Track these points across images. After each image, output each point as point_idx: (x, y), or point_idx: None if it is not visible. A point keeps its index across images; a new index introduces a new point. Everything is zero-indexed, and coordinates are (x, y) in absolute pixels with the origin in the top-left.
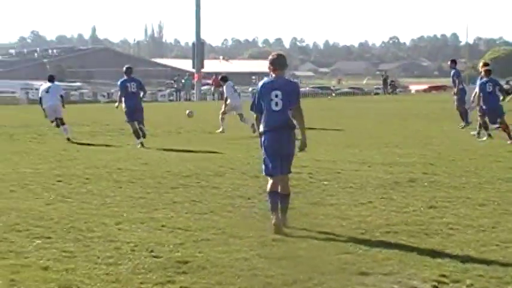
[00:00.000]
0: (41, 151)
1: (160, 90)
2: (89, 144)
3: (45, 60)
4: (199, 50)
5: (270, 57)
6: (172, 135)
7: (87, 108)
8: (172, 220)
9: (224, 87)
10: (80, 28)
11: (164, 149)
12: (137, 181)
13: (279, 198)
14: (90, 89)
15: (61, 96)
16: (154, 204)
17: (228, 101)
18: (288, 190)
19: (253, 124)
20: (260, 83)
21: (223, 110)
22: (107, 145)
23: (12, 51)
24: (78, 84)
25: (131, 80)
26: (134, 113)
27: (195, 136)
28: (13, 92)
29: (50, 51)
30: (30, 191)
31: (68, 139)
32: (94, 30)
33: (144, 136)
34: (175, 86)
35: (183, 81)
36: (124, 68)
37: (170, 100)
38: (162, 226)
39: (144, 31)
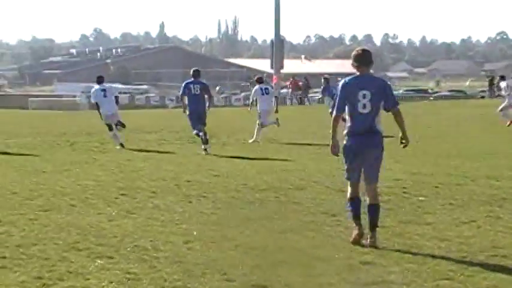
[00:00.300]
0: (103, 161)
1: (234, 94)
2: (158, 152)
3: (108, 60)
4: (278, 49)
5: (354, 53)
6: (247, 144)
7: (154, 114)
8: (247, 239)
9: (253, 89)
10: (146, 25)
11: (238, 159)
12: (208, 195)
13: (367, 208)
14: (158, 92)
15: (116, 97)
16: (227, 221)
17: (257, 106)
18: (376, 200)
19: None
20: (341, 82)
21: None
22: (175, 154)
23: (73, 50)
24: (144, 87)
25: (196, 82)
26: (199, 118)
27: (272, 145)
28: (73, 96)
29: (113, 50)
30: (91, 206)
31: (122, 145)
32: (162, 27)
33: (206, 142)
34: (252, 88)
35: None
36: (191, 71)
37: (246, 105)
38: (236, 246)
39: (217, 28)
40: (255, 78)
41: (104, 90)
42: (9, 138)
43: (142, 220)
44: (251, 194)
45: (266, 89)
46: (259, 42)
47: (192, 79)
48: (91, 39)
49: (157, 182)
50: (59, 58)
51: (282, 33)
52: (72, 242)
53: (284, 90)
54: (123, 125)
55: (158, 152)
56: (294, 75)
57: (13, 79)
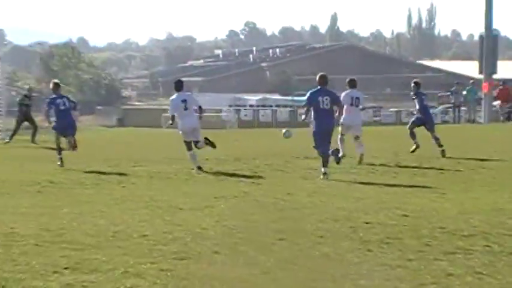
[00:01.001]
0: (255, 195)
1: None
2: (326, 183)
3: (263, 64)
4: (489, 47)
5: None
6: (446, 174)
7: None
8: None
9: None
10: (313, 17)
11: (431, 193)
12: (393, 241)
13: None
14: None
15: (199, 107)
16: (420, 276)
17: (342, 117)
18: None
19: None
20: None
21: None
22: (349, 187)
23: (218, 52)
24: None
25: (325, 91)
26: (323, 137)
27: (478, 176)
28: (218, 111)
29: (270, 51)
30: (240, 254)
31: (199, 168)
32: (334, 19)
33: (338, 162)
34: (453, 100)
35: (464, 92)
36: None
37: (444, 121)
38: None
39: (406, 20)
40: (348, 80)
41: (184, 101)
42: (138, 165)
43: (306, 273)
44: (451, 241)
45: (357, 98)
46: (464, 38)
47: (319, 87)
48: (241, 36)
49: (326, 223)
50: (200, 62)
51: (495, 25)
52: None
53: (498, 102)
54: (213, 145)
55: (325, 182)
56: (504, 81)
57: (143, 89)
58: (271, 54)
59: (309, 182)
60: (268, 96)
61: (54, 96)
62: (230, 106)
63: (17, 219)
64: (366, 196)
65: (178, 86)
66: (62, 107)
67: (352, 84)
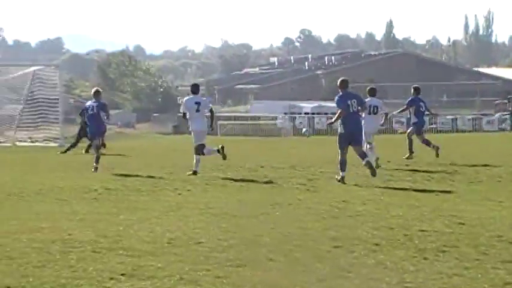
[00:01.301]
0: (310, 203)
1: (485, 115)
2: (380, 190)
3: (319, 72)
4: None
5: None
6: (504, 182)
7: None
8: None
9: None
10: (369, 25)
11: (490, 201)
12: (450, 250)
13: None
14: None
15: (211, 111)
16: (477, 284)
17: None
18: None
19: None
20: None
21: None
22: (405, 194)
23: (273, 59)
24: None
25: (353, 96)
26: (347, 139)
27: None
28: (273, 118)
29: (326, 58)
30: (295, 261)
31: (194, 172)
32: (390, 27)
33: (374, 173)
34: (510, 107)
35: None
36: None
37: (501, 129)
38: None
39: (463, 27)
40: (369, 88)
41: (198, 103)
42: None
43: (362, 281)
44: (509, 249)
45: (376, 107)
46: None
47: (340, 92)
48: (297, 44)
49: (381, 231)
50: (256, 69)
51: None
52: None
53: None
54: (224, 156)
55: (380, 189)
56: None
57: None
58: (326, 62)
59: (363, 190)
60: (323, 103)
61: (88, 102)
62: (285, 114)
63: (75, 226)
64: (422, 204)
65: (195, 88)
66: (90, 112)
67: (372, 92)
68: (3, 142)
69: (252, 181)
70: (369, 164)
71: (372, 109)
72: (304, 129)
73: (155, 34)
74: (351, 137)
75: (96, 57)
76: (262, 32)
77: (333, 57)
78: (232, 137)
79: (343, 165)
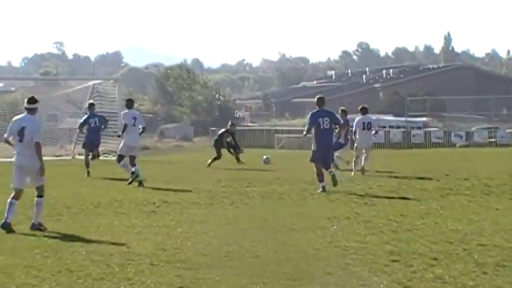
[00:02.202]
0: (368, 216)
1: None
2: (439, 204)
3: (377, 85)
4: None
5: None
6: None
7: (435, 154)
8: None
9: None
10: (428, 37)
11: None
12: (510, 264)
13: None
14: (441, 126)
15: (143, 128)
16: None
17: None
18: None
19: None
20: None
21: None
22: (463, 208)
23: (331, 72)
24: (423, 119)
25: (326, 113)
26: (320, 153)
27: None
28: None
29: (383, 72)
30: (353, 275)
31: (138, 182)
32: (448, 39)
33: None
34: None
35: None
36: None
37: None
38: None
39: None
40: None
41: (134, 118)
42: (250, 186)
43: None
44: None
45: (369, 123)
46: None
47: (317, 108)
48: (355, 57)
49: (439, 245)
50: (313, 83)
51: None
52: None
53: None
54: (133, 163)
55: (439, 204)
56: None
57: (256, 110)
58: (384, 75)
59: (421, 204)
60: (381, 117)
61: (88, 115)
62: None
63: (133, 239)
64: (481, 218)
65: (130, 103)
66: (93, 126)
67: (364, 111)
68: (64, 155)
69: (311, 194)
70: (332, 174)
71: (366, 125)
72: (264, 157)
73: (213, 47)
74: (323, 152)
75: (154, 71)
76: (320, 45)
77: (390, 71)
78: (289, 151)
79: (320, 176)
